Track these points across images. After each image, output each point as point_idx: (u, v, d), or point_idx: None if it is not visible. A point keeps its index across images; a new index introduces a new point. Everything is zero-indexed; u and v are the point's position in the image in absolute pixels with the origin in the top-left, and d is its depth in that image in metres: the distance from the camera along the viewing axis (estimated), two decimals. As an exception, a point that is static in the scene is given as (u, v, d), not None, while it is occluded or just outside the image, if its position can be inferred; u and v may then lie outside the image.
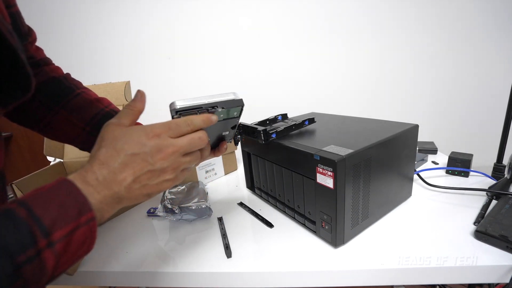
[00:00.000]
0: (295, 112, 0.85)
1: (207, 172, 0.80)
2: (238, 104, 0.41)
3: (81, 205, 0.28)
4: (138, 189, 0.32)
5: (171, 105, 0.37)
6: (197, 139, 0.35)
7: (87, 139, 0.49)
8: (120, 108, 0.81)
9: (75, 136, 0.49)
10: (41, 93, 0.47)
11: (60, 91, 0.48)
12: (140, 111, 0.36)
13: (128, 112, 0.35)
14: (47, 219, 0.25)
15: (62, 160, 0.85)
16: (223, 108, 0.39)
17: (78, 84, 0.51)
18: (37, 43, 0.50)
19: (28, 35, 0.45)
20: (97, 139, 0.33)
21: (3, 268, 0.22)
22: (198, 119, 0.35)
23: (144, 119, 0.52)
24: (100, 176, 0.30)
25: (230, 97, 0.40)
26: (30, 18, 0.47)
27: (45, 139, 0.83)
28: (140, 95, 0.36)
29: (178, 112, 0.37)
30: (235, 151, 0.87)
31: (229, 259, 0.47)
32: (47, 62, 0.50)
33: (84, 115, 0.48)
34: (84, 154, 0.83)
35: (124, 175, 0.30)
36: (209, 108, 0.38)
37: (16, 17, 0.41)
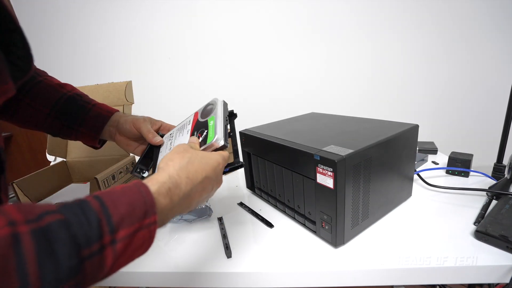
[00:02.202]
0: (295, 112, 0.85)
1: (207, 172, 0.80)
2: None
3: (149, 206, 0.27)
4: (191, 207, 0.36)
5: (218, 140, 0.42)
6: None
7: (53, 124, 0.50)
8: (120, 108, 0.81)
9: (42, 122, 0.50)
10: None
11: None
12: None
13: (194, 146, 0.41)
14: (116, 215, 0.25)
15: (65, 160, 0.85)
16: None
17: (41, 73, 0.52)
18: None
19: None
20: (175, 149, 0.37)
21: (69, 259, 0.21)
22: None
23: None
24: (182, 193, 0.32)
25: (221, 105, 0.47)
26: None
27: (48, 138, 0.83)
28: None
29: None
30: (235, 151, 0.87)
31: (229, 259, 0.47)
32: None
33: (47, 101, 0.49)
34: (86, 154, 0.84)
35: (198, 193, 0.35)
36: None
37: None
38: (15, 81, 0.33)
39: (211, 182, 0.37)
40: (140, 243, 0.27)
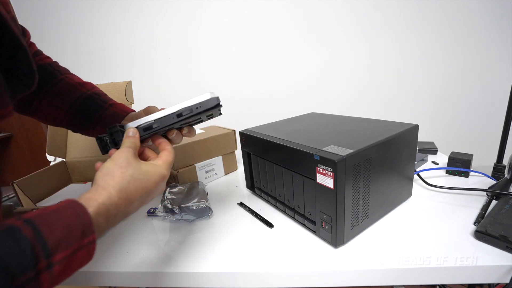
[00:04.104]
0: (295, 112, 0.86)
1: (207, 172, 0.80)
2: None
3: (86, 226, 0.28)
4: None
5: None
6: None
7: (72, 121, 0.52)
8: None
9: (61, 119, 0.52)
10: None
11: (45, 77, 0.50)
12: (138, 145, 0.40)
13: (133, 145, 0.39)
14: (52, 239, 0.24)
15: (64, 160, 0.85)
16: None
17: (63, 70, 0.54)
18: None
19: (24, 34, 0.48)
20: (117, 160, 0.35)
21: None
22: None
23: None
24: (120, 213, 0.32)
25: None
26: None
27: (48, 138, 0.83)
28: (132, 131, 0.41)
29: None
30: (235, 151, 0.87)
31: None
32: (38, 53, 0.53)
33: (66, 99, 0.51)
34: (86, 154, 0.84)
35: (136, 208, 0.35)
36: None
37: (14, 21, 0.43)
38: (17, 95, 0.34)
39: (152, 194, 0.37)
40: (79, 262, 0.27)
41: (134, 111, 0.55)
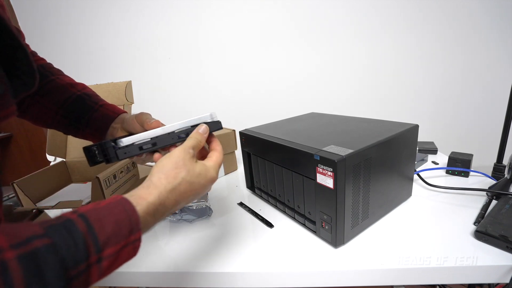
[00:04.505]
0: (295, 112, 0.86)
1: (207, 172, 0.80)
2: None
3: (134, 224, 0.29)
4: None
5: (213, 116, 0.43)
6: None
7: (61, 122, 0.51)
8: (121, 107, 0.82)
9: (51, 120, 0.51)
10: None
11: None
12: (203, 145, 0.41)
13: (198, 145, 0.39)
14: (102, 235, 0.25)
15: (64, 160, 0.85)
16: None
17: (54, 71, 0.53)
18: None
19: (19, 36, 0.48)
20: (174, 159, 0.35)
21: (57, 282, 0.21)
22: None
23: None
24: (168, 211, 0.33)
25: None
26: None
27: (48, 138, 0.83)
28: (203, 129, 0.41)
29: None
30: (235, 151, 0.87)
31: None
32: (33, 54, 0.52)
33: (56, 99, 0.50)
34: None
35: (181, 206, 0.36)
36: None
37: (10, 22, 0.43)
38: (18, 94, 0.34)
39: (198, 195, 0.37)
40: (125, 258, 0.28)
41: (126, 112, 0.53)
